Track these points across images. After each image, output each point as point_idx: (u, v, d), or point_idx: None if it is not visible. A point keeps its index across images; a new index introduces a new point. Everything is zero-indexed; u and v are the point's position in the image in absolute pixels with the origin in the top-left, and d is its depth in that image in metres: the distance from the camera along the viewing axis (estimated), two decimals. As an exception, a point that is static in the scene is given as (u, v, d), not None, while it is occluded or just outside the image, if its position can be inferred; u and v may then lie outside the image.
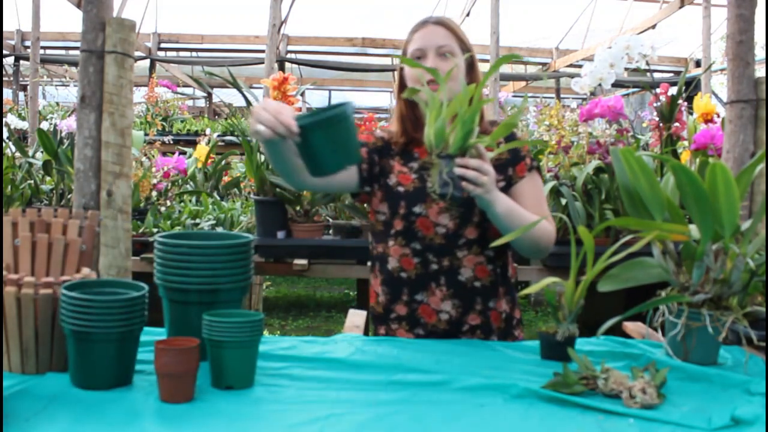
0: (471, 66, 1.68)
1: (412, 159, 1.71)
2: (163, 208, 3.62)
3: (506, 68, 10.00)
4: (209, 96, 11.89)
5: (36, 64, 6.14)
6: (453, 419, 1.12)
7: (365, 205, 2.04)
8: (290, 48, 9.67)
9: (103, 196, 1.81)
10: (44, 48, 8.08)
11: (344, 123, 1.36)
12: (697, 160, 2.91)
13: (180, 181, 4.31)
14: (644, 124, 3.75)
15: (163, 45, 9.92)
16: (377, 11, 9.55)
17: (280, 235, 3.12)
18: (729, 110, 2.01)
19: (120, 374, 1.23)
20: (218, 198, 4.14)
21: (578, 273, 1.42)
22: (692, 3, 7.30)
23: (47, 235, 1.44)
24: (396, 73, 1.71)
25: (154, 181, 3.74)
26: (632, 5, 9.24)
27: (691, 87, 3.82)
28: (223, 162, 4.78)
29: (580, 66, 8.39)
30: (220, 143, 5.91)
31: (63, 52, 9.57)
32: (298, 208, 3.16)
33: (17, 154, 3.93)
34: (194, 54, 10.57)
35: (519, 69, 10.88)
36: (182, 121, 7.83)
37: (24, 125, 6.00)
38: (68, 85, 6.56)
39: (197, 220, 3.45)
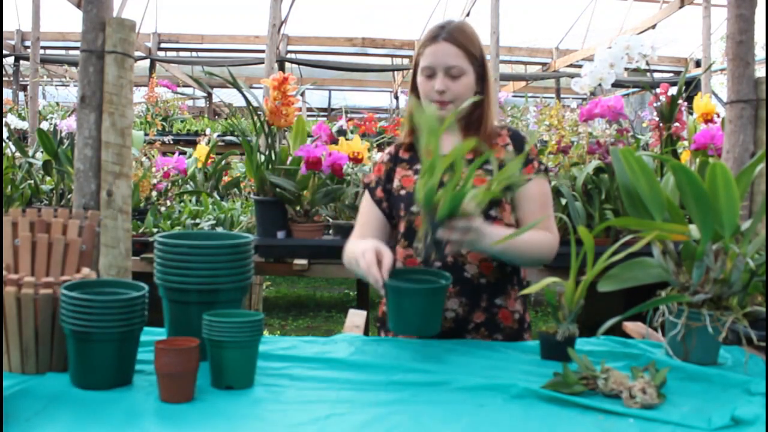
0: (482, 77, 1.68)
1: (417, 162, 1.72)
2: (163, 208, 3.61)
3: (506, 68, 10.00)
4: (209, 96, 11.89)
5: (36, 64, 6.14)
6: (453, 419, 1.12)
7: None
8: (290, 48, 9.68)
9: (103, 196, 1.81)
10: (44, 48, 8.08)
11: (435, 297, 1.41)
12: (697, 160, 2.91)
13: (180, 181, 4.31)
14: (644, 124, 3.74)
15: (163, 45, 9.93)
16: (377, 11, 9.55)
17: (280, 235, 3.11)
18: (729, 110, 2.01)
19: (120, 374, 1.23)
20: (218, 198, 4.14)
21: (578, 273, 1.42)
22: (692, 3, 7.30)
23: (47, 235, 1.44)
24: (410, 72, 1.73)
25: (154, 181, 3.74)
26: (632, 5, 9.24)
27: (691, 87, 3.82)
28: (223, 162, 4.78)
29: (580, 66, 8.39)
30: (220, 143, 5.91)
31: (63, 52, 9.57)
32: (298, 208, 3.16)
33: (17, 154, 3.93)
34: (194, 54, 10.58)
35: (519, 69, 10.88)
36: (182, 121, 7.83)
37: (24, 125, 6.00)
38: (68, 85, 6.56)
39: (197, 220, 3.45)
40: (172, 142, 5.24)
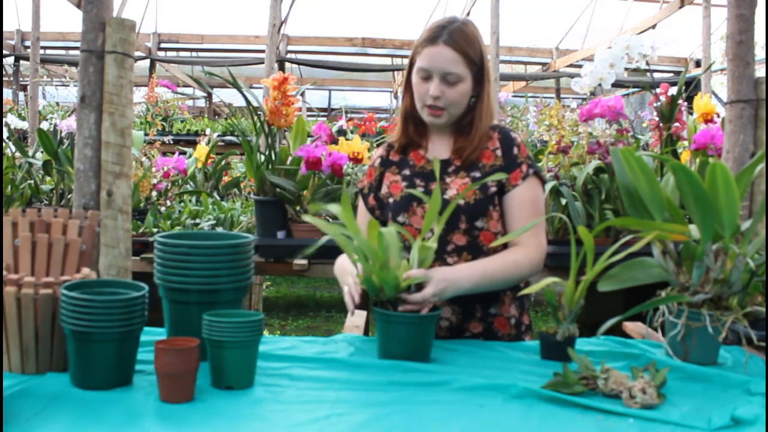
0: (479, 80, 1.63)
1: (406, 166, 1.71)
2: (163, 208, 3.61)
3: (506, 68, 10.00)
4: (209, 96, 11.89)
5: (36, 64, 6.13)
6: (453, 419, 1.12)
7: None
8: (290, 48, 9.67)
9: (103, 196, 1.81)
10: (44, 48, 8.08)
11: (423, 326, 1.39)
12: (697, 160, 2.91)
13: (180, 181, 4.31)
14: (644, 124, 3.74)
15: (163, 45, 9.92)
16: (377, 11, 9.55)
17: (280, 235, 3.11)
18: (729, 110, 2.01)
19: (120, 374, 1.23)
20: (218, 198, 4.13)
21: (578, 273, 1.42)
22: (692, 3, 7.30)
23: (47, 235, 1.44)
24: (404, 72, 1.69)
25: (154, 181, 3.74)
26: (632, 5, 9.24)
27: (691, 87, 3.82)
28: (223, 162, 4.78)
29: (580, 66, 8.39)
30: (220, 143, 5.91)
31: (63, 52, 9.57)
32: (298, 208, 3.16)
33: (17, 154, 3.93)
34: (194, 54, 10.58)
35: (519, 69, 10.88)
36: (182, 121, 7.83)
37: (24, 125, 5.99)
38: (68, 85, 6.56)
39: (197, 220, 3.45)
40: (172, 142, 5.24)
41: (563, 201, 2.95)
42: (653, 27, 7.75)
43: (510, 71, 10.23)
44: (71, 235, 1.47)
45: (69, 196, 3.52)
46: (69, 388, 1.22)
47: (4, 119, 5.56)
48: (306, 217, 1.46)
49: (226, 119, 8.84)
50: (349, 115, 6.52)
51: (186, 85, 10.19)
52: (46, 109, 6.35)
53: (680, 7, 7.47)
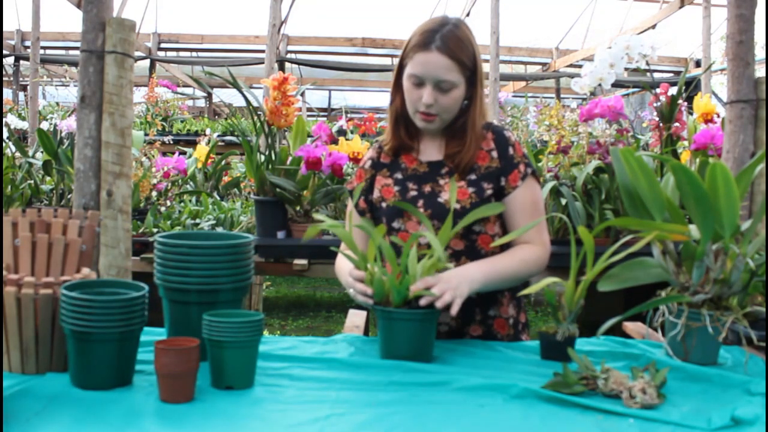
0: (472, 82, 1.58)
1: (398, 169, 1.67)
2: (163, 208, 3.61)
3: (506, 68, 10.00)
4: (209, 96, 11.89)
5: (36, 64, 6.14)
6: (453, 419, 1.12)
7: None
8: (290, 48, 9.67)
9: (103, 196, 1.81)
10: (44, 48, 8.08)
11: (426, 323, 1.39)
12: (697, 160, 2.91)
13: (180, 181, 4.31)
14: (644, 124, 3.75)
15: (163, 45, 9.93)
16: (377, 11, 9.56)
17: (280, 235, 3.11)
18: (729, 110, 2.01)
19: (120, 374, 1.23)
20: (218, 198, 4.14)
21: (578, 273, 1.42)
22: (692, 3, 7.31)
23: (47, 235, 1.44)
24: (393, 73, 1.64)
25: (154, 181, 3.74)
26: (632, 5, 9.25)
27: (691, 87, 3.82)
28: (223, 162, 4.78)
29: (580, 66, 8.40)
30: (220, 143, 5.91)
31: (63, 52, 9.58)
32: (298, 208, 3.16)
33: (17, 154, 3.93)
34: (194, 54, 10.58)
35: (519, 69, 10.89)
36: (182, 121, 7.83)
37: (24, 125, 6.00)
38: (68, 85, 6.56)
39: (197, 220, 3.45)
40: (172, 142, 5.25)
41: (563, 201, 2.95)
42: (653, 27, 7.76)
43: (510, 71, 10.24)
44: (71, 235, 1.47)
45: (69, 196, 3.52)
46: (69, 388, 1.21)
47: (4, 119, 5.56)
48: (318, 216, 1.46)
49: (226, 119, 8.84)
50: (349, 115, 6.52)
51: (186, 85, 10.19)
52: (46, 109, 6.36)
53: (680, 7, 7.48)
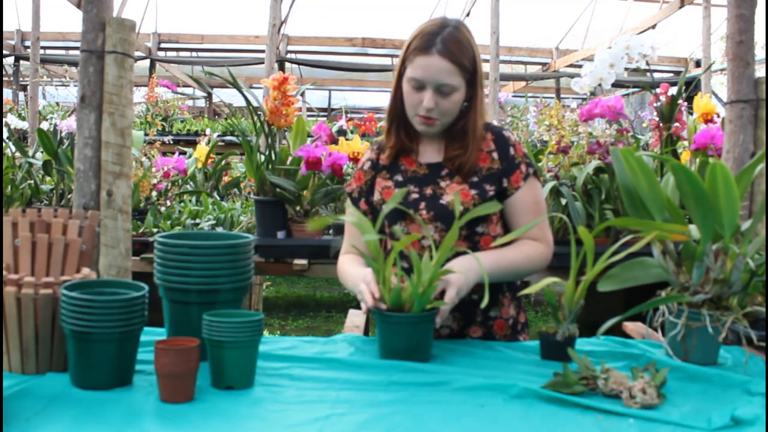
0: (472, 84, 1.57)
1: (398, 171, 1.66)
2: (163, 208, 3.62)
3: (506, 68, 10.01)
4: (209, 96, 11.90)
5: (36, 64, 6.14)
6: (453, 419, 1.12)
7: None
8: (290, 48, 9.68)
9: (103, 196, 1.81)
10: (44, 48, 8.09)
11: (422, 325, 1.39)
12: (697, 160, 2.91)
13: (180, 181, 4.31)
14: (644, 124, 3.75)
15: (163, 45, 9.93)
16: (377, 11, 9.57)
17: (280, 235, 3.12)
18: (729, 110, 2.01)
19: (120, 374, 1.23)
20: (218, 198, 4.14)
21: (578, 273, 1.42)
22: (692, 3, 7.31)
23: (47, 235, 1.44)
24: (393, 74, 1.63)
25: (154, 181, 3.74)
26: (632, 5, 9.25)
27: (691, 87, 3.82)
28: (223, 162, 4.78)
29: (580, 66, 8.40)
30: (220, 143, 5.92)
31: (63, 52, 9.58)
32: (298, 208, 3.16)
33: (17, 154, 3.93)
34: (194, 54, 10.58)
35: (519, 69, 10.89)
36: (182, 121, 7.84)
37: (24, 125, 6.00)
38: (68, 85, 6.56)
39: (197, 220, 3.45)
40: (172, 142, 5.25)
41: (563, 201, 2.95)
42: (653, 27, 7.76)
43: (510, 71, 10.24)
44: (71, 235, 1.47)
45: (69, 196, 3.52)
46: (69, 388, 1.21)
47: (4, 119, 5.56)
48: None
49: (226, 119, 8.85)
50: (349, 115, 6.52)
51: (186, 85, 10.20)
52: (46, 109, 6.36)
53: (680, 7, 7.48)
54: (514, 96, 9.10)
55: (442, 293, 1.42)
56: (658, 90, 2.99)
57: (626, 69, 2.86)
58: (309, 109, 11.61)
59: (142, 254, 3.13)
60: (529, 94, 7.43)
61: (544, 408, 1.17)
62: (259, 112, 3.19)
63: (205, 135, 6.24)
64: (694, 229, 1.37)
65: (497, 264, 1.53)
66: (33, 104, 6.02)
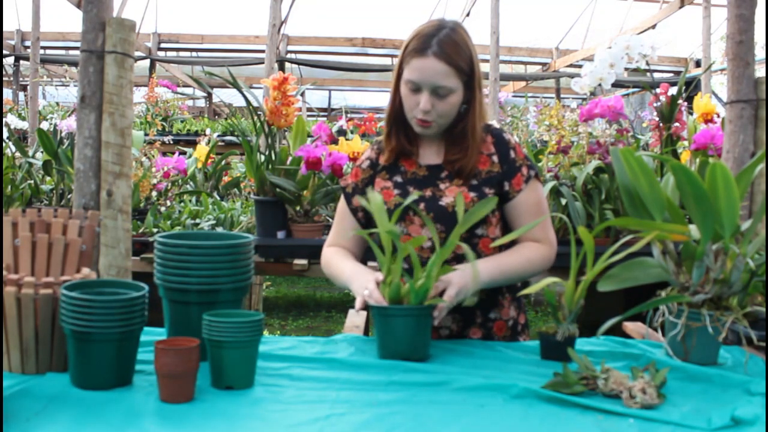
0: (470, 86, 1.56)
1: (397, 172, 1.66)
2: (163, 208, 3.61)
3: (506, 68, 10.01)
4: (209, 96, 11.90)
5: (36, 64, 6.14)
6: (453, 419, 1.12)
7: None
8: (290, 48, 9.68)
9: (103, 196, 1.81)
10: (44, 48, 8.09)
11: (421, 319, 1.39)
12: (697, 160, 2.91)
13: (180, 181, 4.31)
14: (644, 124, 3.75)
15: (163, 45, 9.94)
16: (377, 11, 9.57)
17: (280, 235, 3.12)
18: (729, 110, 2.01)
19: (120, 374, 1.23)
20: (218, 198, 4.14)
21: (578, 273, 1.42)
22: (692, 3, 7.31)
23: (47, 235, 1.44)
24: (392, 76, 1.62)
25: (154, 181, 3.74)
26: (632, 5, 9.25)
27: (691, 87, 3.82)
28: (223, 162, 4.78)
29: (580, 66, 8.40)
30: (220, 143, 5.91)
31: (63, 52, 9.58)
32: (298, 208, 3.16)
33: (17, 154, 3.93)
34: (194, 54, 10.58)
35: (519, 69, 10.89)
36: (182, 121, 7.83)
37: (24, 125, 6.00)
38: (68, 85, 6.56)
39: (197, 220, 3.45)
40: (172, 142, 5.25)
41: (563, 201, 2.95)
42: (653, 27, 7.76)
43: (510, 71, 10.24)
44: (71, 235, 1.47)
45: (69, 196, 3.52)
46: (69, 388, 1.21)
47: (4, 119, 5.56)
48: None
49: (226, 119, 8.85)
50: (349, 115, 6.52)
51: (186, 85, 10.20)
52: (46, 109, 6.36)
53: (680, 7, 7.48)
54: (514, 96, 9.10)
55: (443, 292, 1.42)
56: (658, 90, 2.99)
57: (626, 69, 2.86)
58: (309, 109, 11.61)
59: (142, 254, 3.13)
60: (529, 94, 7.43)
61: (544, 408, 1.17)
62: (259, 112, 3.19)
63: (205, 135, 6.23)
64: (694, 229, 1.37)
65: (499, 271, 1.54)
66: (33, 104, 6.03)
